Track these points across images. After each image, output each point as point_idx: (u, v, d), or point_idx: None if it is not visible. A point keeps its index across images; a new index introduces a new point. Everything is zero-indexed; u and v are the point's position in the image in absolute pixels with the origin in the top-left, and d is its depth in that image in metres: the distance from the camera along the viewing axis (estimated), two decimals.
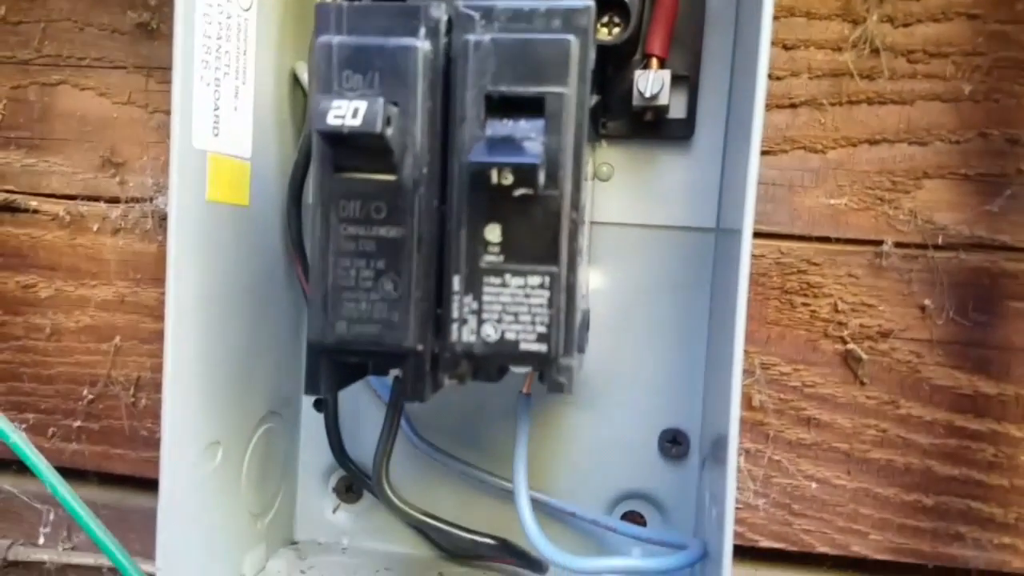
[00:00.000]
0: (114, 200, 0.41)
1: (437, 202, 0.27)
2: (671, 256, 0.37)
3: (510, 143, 0.25)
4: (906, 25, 0.36)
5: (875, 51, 0.36)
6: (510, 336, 0.26)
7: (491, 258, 0.26)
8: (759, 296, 0.37)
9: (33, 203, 0.42)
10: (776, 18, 0.37)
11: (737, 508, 0.38)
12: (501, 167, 0.24)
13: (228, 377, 0.33)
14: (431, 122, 0.26)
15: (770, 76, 0.37)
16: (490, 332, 0.26)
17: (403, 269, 0.26)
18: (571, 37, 0.25)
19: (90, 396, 0.43)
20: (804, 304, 0.37)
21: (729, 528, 0.28)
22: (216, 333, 0.32)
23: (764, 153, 0.37)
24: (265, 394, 0.36)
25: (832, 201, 0.36)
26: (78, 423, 0.43)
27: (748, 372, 0.38)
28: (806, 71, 0.36)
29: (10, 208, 0.42)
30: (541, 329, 0.26)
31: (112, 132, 0.41)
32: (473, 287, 0.26)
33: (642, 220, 0.37)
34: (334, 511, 0.41)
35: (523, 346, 0.26)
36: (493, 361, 0.27)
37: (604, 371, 0.38)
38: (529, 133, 0.25)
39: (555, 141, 0.25)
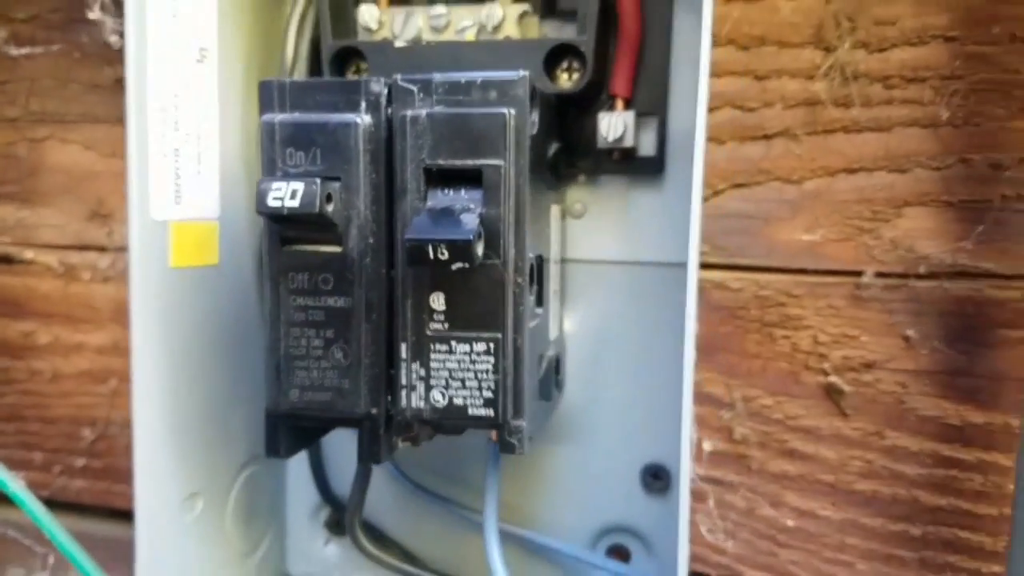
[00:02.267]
0: (103, 249, 0.42)
1: (385, 270, 0.27)
2: (646, 291, 0.37)
3: (448, 216, 0.25)
4: (881, 50, 0.35)
5: (848, 79, 0.35)
6: (458, 402, 0.26)
7: (436, 326, 0.26)
8: (738, 329, 0.37)
9: (28, 254, 0.43)
10: (746, 48, 0.36)
11: (722, 539, 0.38)
12: (436, 243, 0.24)
13: (204, 429, 0.34)
14: (375, 193, 0.26)
15: (742, 108, 0.36)
16: (438, 398, 0.26)
17: (352, 338, 0.26)
18: (506, 110, 0.25)
19: (91, 436, 0.44)
20: (784, 337, 0.37)
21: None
22: (187, 388, 0.32)
23: (738, 186, 0.36)
24: (245, 441, 0.37)
25: (810, 233, 0.36)
26: (82, 461, 0.44)
27: (728, 405, 0.37)
28: (779, 101, 0.36)
29: (6, 259, 0.43)
30: (488, 394, 0.26)
31: (98, 185, 0.42)
32: (420, 354, 0.26)
33: (616, 257, 0.37)
34: (325, 544, 0.41)
35: (471, 411, 0.26)
36: (443, 425, 0.27)
37: (583, 407, 0.38)
38: (468, 204, 0.25)
39: (494, 211, 0.25)
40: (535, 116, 0.27)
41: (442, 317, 0.26)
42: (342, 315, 0.26)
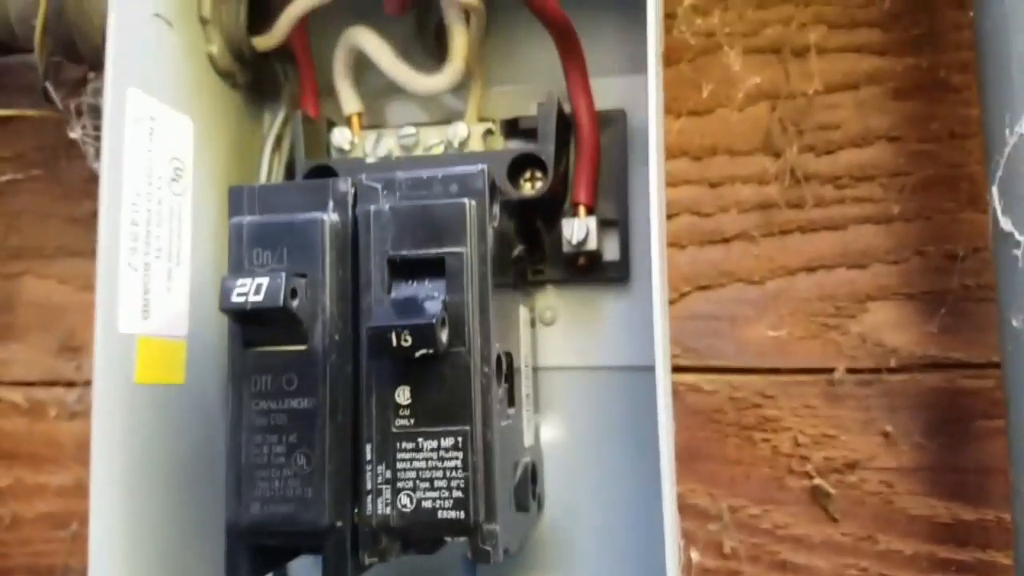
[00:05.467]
0: (71, 384, 0.42)
1: (352, 368, 0.26)
2: (622, 398, 0.36)
3: (412, 304, 0.25)
4: (828, 152, 0.36)
5: (799, 180, 0.36)
6: (426, 504, 0.25)
7: (402, 422, 0.26)
8: (717, 434, 0.36)
9: None
10: (698, 159, 0.38)
11: None
12: (399, 329, 0.24)
13: (164, 561, 0.32)
14: (341, 289, 0.27)
15: (699, 214, 0.37)
16: (405, 502, 0.25)
17: (316, 441, 0.26)
18: (466, 200, 0.26)
19: None
20: (764, 439, 0.36)
21: None
22: (149, 515, 0.31)
23: (702, 288, 0.37)
24: None
25: (776, 332, 0.36)
26: None
27: (715, 517, 0.36)
28: (734, 206, 0.37)
29: None
30: (458, 494, 0.25)
31: (71, 317, 0.42)
32: (386, 455, 0.26)
33: (589, 362, 0.37)
34: None
35: (441, 514, 0.25)
36: (412, 534, 0.26)
37: (565, 529, 0.36)
38: (432, 292, 0.26)
39: (458, 298, 0.25)
40: (496, 210, 0.27)
41: (408, 412, 0.26)
42: (306, 417, 0.26)
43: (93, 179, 0.42)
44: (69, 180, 0.43)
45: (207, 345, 0.34)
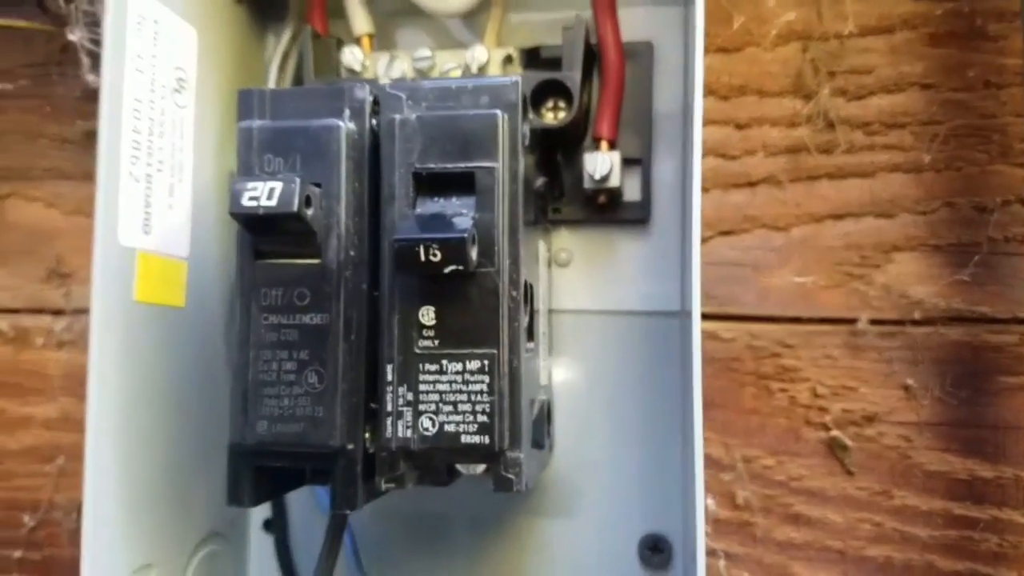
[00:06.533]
0: (59, 312, 0.40)
1: (367, 287, 0.25)
2: (638, 343, 0.35)
3: (439, 219, 0.24)
4: (859, 98, 0.35)
5: (830, 125, 0.35)
6: (449, 428, 0.24)
7: (426, 343, 0.24)
8: (733, 383, 0.35)
9: None
10: (726, 98, 0.36)
11: None
12: (428, 243, 0.23)
13: (163, 492, 0.30)
14: (358, 203, 0.25)
15: (724, 156, 0.36)
16: (427, 425, 0.24)
17: (328, 359, 0.24)
18: (499, 112, 0.24)
19: (31, 523, 0.40)
20: (781, 390, 0.35)
21: None
22: (146, 440, 0.29)
23: (725, 233, 0.36)
24: (207, 513, 0.33)
25: (800, 279, 0.35)
26: (19, 553, 0.40)
27: (729, 467, 0.35)
28: (761, 149, 0.36)
29: None
30: (483, 419, 0.24)
31: (59, 243, 0.40)
32: (408, 376, 0.24)
33: (604, 306, 0.35)
34: None
35: (464, 439, 0.24)
36: (433, 458, 0.25)
37: (573, 474, 0.35)
38: (460, 210, 0.24)
39: (487, 216, 0.24)
40: (527, 128, 0.26)
41: (432, 333, 0.24)
42: (318, 333, 0.24)
43: (85, 97, 0.40)
44: (60, 98, 0.41)
45: (208, 269, 0.33)
